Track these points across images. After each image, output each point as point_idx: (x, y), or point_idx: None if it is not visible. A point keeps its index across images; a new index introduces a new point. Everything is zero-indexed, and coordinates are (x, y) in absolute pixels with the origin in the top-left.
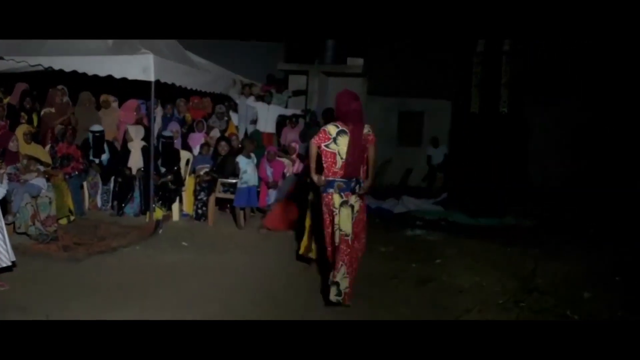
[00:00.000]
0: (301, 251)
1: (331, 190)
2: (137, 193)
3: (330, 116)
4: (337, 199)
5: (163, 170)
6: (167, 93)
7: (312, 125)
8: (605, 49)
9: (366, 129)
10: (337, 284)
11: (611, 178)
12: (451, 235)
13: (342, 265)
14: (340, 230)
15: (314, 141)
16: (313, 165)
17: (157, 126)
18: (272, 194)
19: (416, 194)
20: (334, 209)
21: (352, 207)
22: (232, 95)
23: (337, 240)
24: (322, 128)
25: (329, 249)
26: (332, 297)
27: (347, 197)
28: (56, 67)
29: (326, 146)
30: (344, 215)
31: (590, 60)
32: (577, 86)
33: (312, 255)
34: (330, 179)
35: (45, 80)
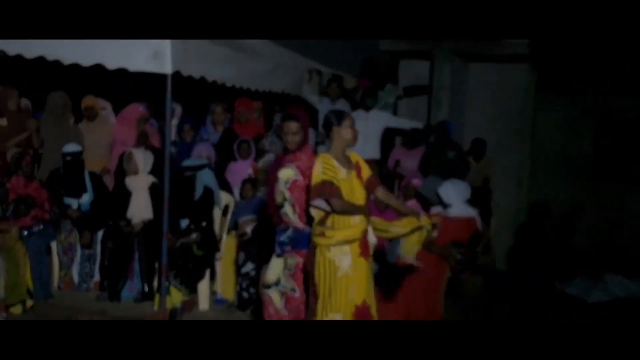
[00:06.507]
0: None
1: None
2: (138, 264)
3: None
4: None
5: (184, 224)
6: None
7: (442, 146)
8: None
9: None
10: None
11: None
12: None
13: None
14: None
15: None
16: None
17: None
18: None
19: (631, 269)
20: None
21: None
22: (306, 96)
23: None
24: None
25: None
26: None
27: None
28: (12, 52)
29: None
30: None
31: None
32: None
33: None
34: None
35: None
